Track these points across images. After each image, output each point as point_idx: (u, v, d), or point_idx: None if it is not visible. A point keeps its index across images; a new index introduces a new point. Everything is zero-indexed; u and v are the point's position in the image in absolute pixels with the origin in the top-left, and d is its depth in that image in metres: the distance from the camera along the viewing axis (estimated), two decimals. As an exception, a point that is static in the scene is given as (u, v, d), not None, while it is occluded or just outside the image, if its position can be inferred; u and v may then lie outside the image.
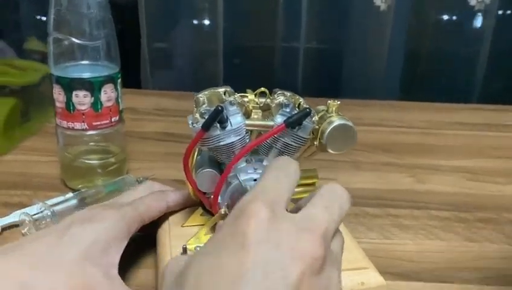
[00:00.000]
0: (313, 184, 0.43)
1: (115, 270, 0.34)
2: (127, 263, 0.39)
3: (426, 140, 0.73)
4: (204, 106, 0.35)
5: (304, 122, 0.35)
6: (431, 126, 0.79)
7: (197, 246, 0.37)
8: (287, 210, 0.25)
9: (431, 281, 0.41)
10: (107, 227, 0.34)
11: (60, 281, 0.31)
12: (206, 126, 0.33)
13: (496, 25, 1.01)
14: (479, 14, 1.02)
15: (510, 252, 0.45)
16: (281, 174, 0.27)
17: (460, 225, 0.50)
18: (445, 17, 1.06)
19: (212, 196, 0.37)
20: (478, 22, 1.03)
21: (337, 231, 0.27)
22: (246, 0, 1.07)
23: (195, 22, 1.07)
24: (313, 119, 0.36)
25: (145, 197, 0.40)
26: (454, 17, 1.06)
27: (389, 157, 0.66)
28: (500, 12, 1.02)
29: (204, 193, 0.38)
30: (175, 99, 0.87)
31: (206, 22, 1.06)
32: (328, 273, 0.23)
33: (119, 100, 0.51)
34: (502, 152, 0.69)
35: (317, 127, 0.37)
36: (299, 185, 0.42)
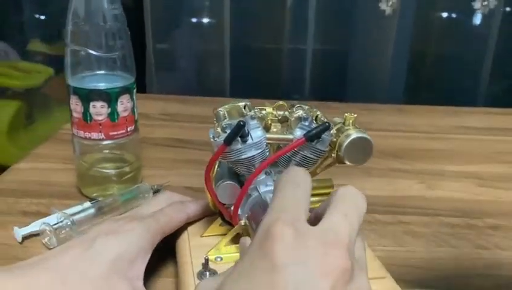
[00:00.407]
0: (328, 194, 0.44)
1: (140, 283, 0.35)
2: (148, 273, 0.40)
3: (433, 145, 0.74)
4: (225, 120, 0.36)
5: (322, 135, 0.36)
6: (437, 130, 0.80)
7: (217, 257, 0.38)
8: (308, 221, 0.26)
9: (444, 288, 0.42)
10: (132, 240, 0.35)
11: None
12: (229, 140, 0.34)
13: (501, 27, 1.02)
14: (483, 16, 1.02)
15: (521, 259, 0.46)
16: (295, 187, 0.27)
17: (470, 231, 0.50)
18: (450, 20, 1.07)
19: (232, 207, 0.38)
20: (482, 24, 1.03)
21: (358, 236, 0.27)
22: (253, 2, 1.08)
23: (200, 22, 1.08)
24: (331, 132, 0.37)
25: (165, 209, 0.41)
26: (458, 20, 1.06)
27: (397, 163, 0.66)
28: (504, 14, 1.02)
29: (224, 204, 0.39)
30: (181, 104, 0.88)
31: (212, 22, 1.07)
32: (357, 282, 0.24)
33: (135, 110, 0.52)
34: (511, 157, 0.70)
35: (334, 139, 0.38)
36: (315, 195, 0.43)
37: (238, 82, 1.07)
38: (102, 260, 0.33)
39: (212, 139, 0.36)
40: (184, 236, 0.42)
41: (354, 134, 0.38)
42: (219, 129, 0.35)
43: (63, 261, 0.33)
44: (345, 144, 0.37)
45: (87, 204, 0.48)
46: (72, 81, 0.49)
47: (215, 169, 0.39)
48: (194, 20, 1.08)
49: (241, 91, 1.06)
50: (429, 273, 0.44)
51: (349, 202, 0.27)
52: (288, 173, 0.29)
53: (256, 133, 0.36)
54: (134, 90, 0.52)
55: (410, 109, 0.92)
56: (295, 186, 0.27)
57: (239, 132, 0.34)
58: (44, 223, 0.45)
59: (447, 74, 1.10)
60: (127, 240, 0.35)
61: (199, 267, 0.36)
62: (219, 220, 0.42)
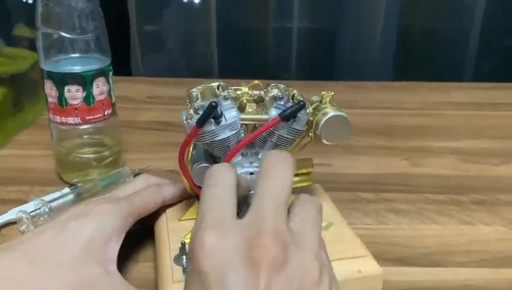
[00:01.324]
0: (308, 173, 0.43)
1: (113, 266, 0.34)
2: (126, 258, 0.40)
3: (420, 122, 0.73)
4: (198, 101, 0.35)
5: (298, 114, 0.35)
6: (425, 107, 0.79)
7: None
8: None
9: (427, 265, 0.42)
10: (103, 222, 0.35)
11: (60, 278, 0.31)
12: (201, 122, 0.33)
13: (488, 2, 1.00)
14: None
15: (505, 234, 0.46)
16: (213, 187, 0.27)
17: (455, 208, 0.50)
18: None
19: (208, 190, 0.37)
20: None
21: (300, 205, 0.27)
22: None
23: (186, 2, 1.06)
24: (307, 111, 0.36)
25: (141, 191, 0.40)
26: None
27: (382, 141, 0.66)
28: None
29: (201, 187, 0.38)
30: (167, 87, 0.87)
31: (198, 2, 1.05)
32: (295, 263, 0.23)
33: (112, 93, 0.51)
34: (498, 132, 0.69)
35: (311, 118, 0.37)
36: (295, 175, 0.43)
37: (226, 62, 1.06)
38: (75, 242, 0.33)
39: (184, 122, 0.35)
40: (163, 220, 0.41)
41: (330, 112, 0.37)
42: (191, 111, 0.34)
43: (34, 245, 0.33)
44: (322, 122, 0.37)
45: (66, 190, 0.48)
46: (46, 65, 0.48)
47: (191, 152, 0.38)
48: (179, 0, 1.06)
49: (229, 71, 1.04)
50: (412, 250, 0.43)
51: (267, 176, 0.26)
52: (209, 173, 0.28)
53: (230, 114, 0.35)
54: (111, 73, 0.50)
55: (397, 85, 0.91)
56: (213, 187, 0.27)
57: (211, 113, 0.33)
58: (21, 210, 0.44)
59: (435, 50, 1.09)
60: (99, 223, 0.34)
61: (176, 252, 0.36)
62: (197, 204, 0.42)
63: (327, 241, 0.29)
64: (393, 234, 0.46)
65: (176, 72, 1.09)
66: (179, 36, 1.10)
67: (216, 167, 0.29)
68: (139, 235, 0.42)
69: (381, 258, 0.41)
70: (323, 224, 0.35)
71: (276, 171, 0.27)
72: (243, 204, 0.28)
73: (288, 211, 0.27)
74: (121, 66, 0.86)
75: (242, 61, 1.04)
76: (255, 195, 0.26)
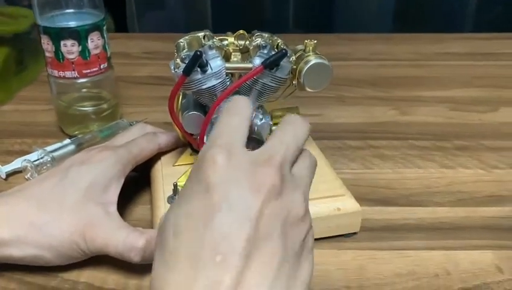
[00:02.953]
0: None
1: (113, 207, 0.37)
2: (126, 201, 0.43)
3: (414, 72, 0.74)
4: (184, 51, 0.37)
5: (281, 63, 0.37)
6: (420, 58, 0.80)
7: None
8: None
9: (406, 205, 0.44)
10: (104, 168, 0.37)
11: (65, 220, 0.34)
12: (187, 71, 0.35)
13: None
14: None
15: (482, 176, 0.48)
16: (232, 115, 0.29)
17: (438, 153, 0.52)
18: None
19: (198, 137, 0.40)
20: None
21: (303, 157, 0.29)
22: None
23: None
24: (291, 59, 0.38)
25: (137, 139, 0.43)
26: None
27: (375, 91, 0.67)
28: None
29: (192, 134, 0.41)
30: (162, 42, 0.87)
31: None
32: (288, 197, 0.25)
33: (107, 47, 0.52)
34: (488, 81, 0.71)
35: (295, 66, 0.39)
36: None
37: (221, 17, 1.06)
38: (77, 187, 0.36)
39: (172, 71, 0.37)
40: (158, 166, 0.44)
41: (313, 60, 0.38)
42: (178, 60, 0.36)
43: (41, 189, 0.36)
44: (304, 70, 0.38)
45: (67, 141, 0.50)
46: (41, 21, 0.49)
47: (181, 101, 0.41)
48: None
49: (224, 27, 1.04)
50: (393, 192, 0.46)
51: (287, 129, 0.29)
52: (228, 103, 0.30)
53: (215, 63, 0.36)
54: (105, 28, 0.52)
55: (394, 37, 0.91)
56: (232, 115, 0.28)
57: (196, 62, 0.35)
58: (25, 160, 0.47)
59: (435, 1, 1.08)
60: (99, 169, 0.37)
61: (170, 193, 0.39)
62: (189, 150, 0.44)
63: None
64: (377, 177, 0.48)
65: (171, 28, 1.08)
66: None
67: (238, 98, 0.30)
68: (138, 182, 0.45)
69: (365, 199, 0.44)
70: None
71: (295, 129, 0.29)
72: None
73: None
74: (118, 23, 0.87)
75: (237, 15, 1.04)
76: (272, 135, 0.28)
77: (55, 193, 0.36)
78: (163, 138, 0.44)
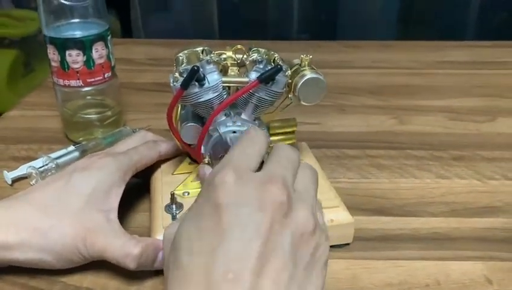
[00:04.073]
0: (292, 132, 0.47)
1: (114, 214, 0.38)
2: (126, 208, 0.44)
3: (413, 81, 0.75)
4: (183, 65, 0.38)
5: (276, 77, 0.38)
6: (420, 66, 0.81)
7: (185, 192, 0.41)
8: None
9: (401, 215, 0.45)
10: (105, 175, 0.38)
11: (68, 225, 0.36)
12: (185, 85, 0.36)
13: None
14: None
15: (477, 186, 0.49)
16: (249, 144, 0.30)
17: (434, 163, 0.53)
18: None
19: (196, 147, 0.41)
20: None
21: (302, 169, 0.31)
22: None
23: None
24: (286, 74, 0.39)
25: (139, 147, 0.44)
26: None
27: (373, 100, 0.68)
28: None
29: (190, 145, 0.42)
30: (166, 48, 0.89)
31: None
32: (296, 212, 0.27)
33: (111, 56, 0.54)
34: (487, 90, 0.71)
35: (290, 81, 0.40)
36: (280, 134, 0.46)
37: (226, 23, 1.07)
38: (80, 193, 0.37)
39: (171, 84, 0.38)
40: (157, 174, 0.45)
41: (308, 75, 0.39)
42: (177, 74, 0.37)
43: (44, 194, 0.37)
44: (299, 84, 0.39)
45: (71, 148, 0.52)
46: (47, 31, 0.51)
47: (180, 112, 0.42)
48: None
49: (230, 32, 1.06)
50: (388, 201, 0.47)
51: (279, 153, 0.30)
52: (247, 131, 0.31)
53: (212, 77, 0.38)
54: (109, 37, 0.53)
55: (396, 44, 0.92)
56: (249, 144, 0.30)
57: (194, 76, 0.36)
58: (30, 166, 0.48)
59: (440, 8, 1.09)
60: (100, 175, 0.38)
61: (168, 202, 0.40)
62: (188, 159, 0.45)
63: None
64: (373, 187, 0.49)
65: (176, 34, 1.10)
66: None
67: (260, 131, 0.32)
68: (138, 189, 0.46)
69: (360, 208, 0.45)
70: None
71: (286, 152, 0.31)
72: None
73: None
74: (123, 28, 0.88)
75: (243, 21, 1.05)
76: (268, 160, 0.30)
77: (59, 198, 0.37)
78: (164, 146, 0.45)
